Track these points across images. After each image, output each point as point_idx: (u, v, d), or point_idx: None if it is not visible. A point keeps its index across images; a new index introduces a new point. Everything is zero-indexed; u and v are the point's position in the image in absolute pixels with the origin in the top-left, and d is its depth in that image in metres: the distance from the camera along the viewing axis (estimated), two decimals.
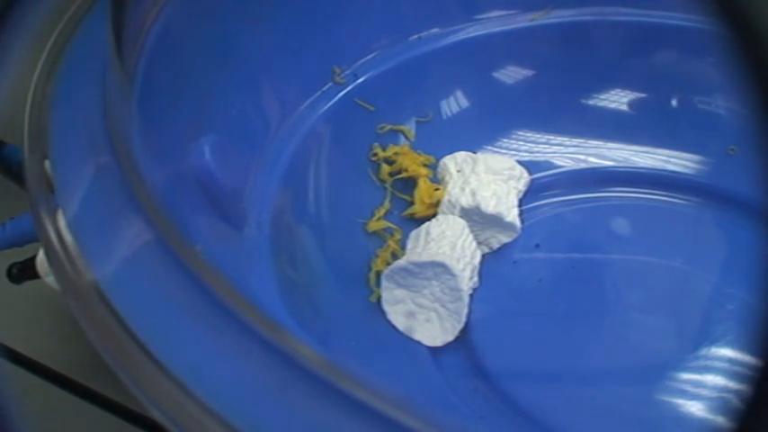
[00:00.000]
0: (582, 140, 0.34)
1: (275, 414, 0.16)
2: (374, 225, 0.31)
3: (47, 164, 0.22)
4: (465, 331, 0.28)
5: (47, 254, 0.20)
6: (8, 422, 0.13)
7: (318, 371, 0.15)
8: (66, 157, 0.22)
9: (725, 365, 0.26)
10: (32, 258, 0.28)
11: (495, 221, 0.30)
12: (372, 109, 0.33)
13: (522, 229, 0.31)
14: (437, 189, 0.31)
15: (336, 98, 0.32)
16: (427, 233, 0.29)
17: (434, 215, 0.31)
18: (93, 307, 0.18)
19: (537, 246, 0.31)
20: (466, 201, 0.30)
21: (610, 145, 0.33)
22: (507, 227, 0.30)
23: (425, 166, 0.32)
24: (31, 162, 0.22)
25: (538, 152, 0.33)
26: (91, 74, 0.24)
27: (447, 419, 0.14)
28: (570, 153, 0.33)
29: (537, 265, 0.30)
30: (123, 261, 0.19)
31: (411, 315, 0.28)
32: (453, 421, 0.14)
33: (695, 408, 0.25)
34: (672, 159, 0.33)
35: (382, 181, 0.32)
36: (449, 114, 0.34)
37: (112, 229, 0.20)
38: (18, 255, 0.28)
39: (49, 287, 0.27)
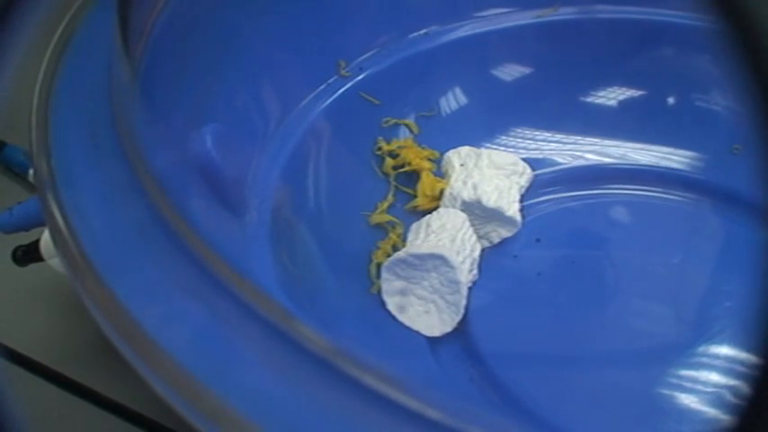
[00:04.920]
0: (580, 137, 0.34)
1: (279, 396, 0.16)
2: (377, 218, 0.31)
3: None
4: (463, 323, 0.28)
5: (52, 236, 0.20)
6: (8, 422, 0.13)
7: (322, 353, 0.15)
8: (68, 145, 0.22)
9: (722, 363, 0.27)
10: (37, 242, 0.28)
11: (496, 216, 0.30)
12: (378, 102, 0.33)
13: (523, 224, 0.31)
14: (439, 182, 0.31)
15: (341, 91, 0.32)
16: (428, 225, 0.29)
17: (437, 208, 0.31)
18: (97, 289, 0.18)
19: (537, 240, 0.31)
20: (467, 194, 0.30)
21: (608, 142, 0.34)
22: (508, 221, 0.30)
23: (429, 160, 0.32)
24: (38, 144, 0.22)
25: (537, 149, 0.34)
26: (94, 64, 0.24)
27: (451, 402, 0.14)
28: (569, 150, 0.34)
29: (537, 260, 0.30)
30: (126, 246, 0.19)
31: (410, 306, 0.28)
32: (457, 404, 0.14)
33: (692, 402, 0.26)
34: (670, 156, 0.33)
35: (386, 174, 0.32)
36: (451, 110, 0.34)
37: (115, 215, 0.20)
38: (23, 239, 0.28)
39: (52, 270, 0.28)
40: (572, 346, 0.28)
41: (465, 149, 0.32)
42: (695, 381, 0.26)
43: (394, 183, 0.32)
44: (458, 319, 0.28)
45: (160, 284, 0.18)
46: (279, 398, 0.16)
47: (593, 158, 0.33)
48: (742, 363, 0.26)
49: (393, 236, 0.30)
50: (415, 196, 0.32)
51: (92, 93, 0.23)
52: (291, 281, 0.26)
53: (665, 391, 0.26)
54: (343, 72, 0.33)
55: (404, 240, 0.30)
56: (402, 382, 0.15)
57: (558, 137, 0.34)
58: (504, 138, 0.34)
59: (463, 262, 0.28)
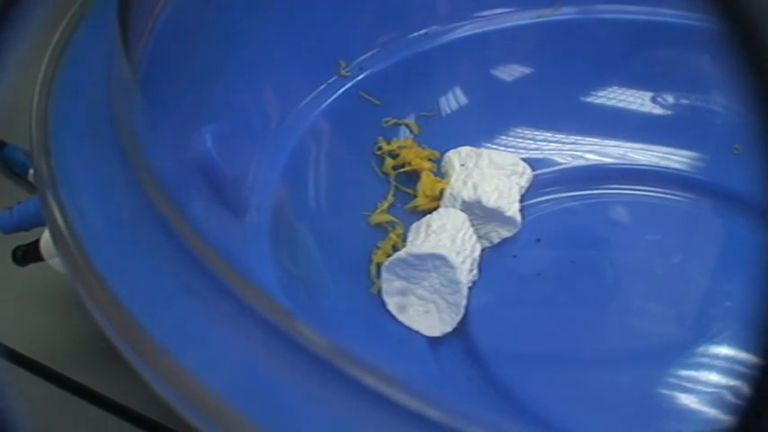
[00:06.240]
0: (580, 137, 0.34)
1: (279, 395, 0.16)
2: (377, 218, 0.31)
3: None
4: (463, 322, 0.28)
5: (52, 236, 0.20)
6: (8, 422, 0.13)
7: (321, 352, 0.15)
8: (68, 145, 0.22)
9: (722, 363, 0.27)
10: (37, 242, 0.28)
11: (496, 215, 0.30)
12: (378, 102, 0.33)
13: (524, 224, 0.31)
14: (439, 182, 0.31)
15: (341, 91, 0.32)
16: (428, 226, 0.29)
17: (437, 208, 0.31)
18: (97, 289, 0.18)
19: (538, 241, 0.31)
20: (467, 194, 0.30)
21: (608, 142, 0.34)
22: (508, 221, 0.30)
23: (429, 160, 0.32)
24: (38, 144, 0.22)
25: (537, 149, 0.34)
26: (94, 64, 0.24)
27: (450, 402, 0.14)
28: (569, 150, 0.34)
29: (537, 260, 0.30)
30: (126, 246, 0.19)
31: (410, 306, 0.28)
32: (457, 404, 0.14)
33: (692, 402, 0.26)
34: (670, 156, 0.33)
35: (386, 174, 0.32)
36: (451, 110, 0.34)
37: (115, 215, 0.20)
38: (24, 239, 0.28)
39: (52, 269, 0.28)
40: (572, 346, 0.28)
41: (465, 149, 0.32)
42: (695, 381, 0.26)
43: (394, 183, 0.32)
44: (458, 319, 0.28)
45: (160, 284, 0.18)
46: (279, 398, 0.16)
47: (593, 158, 0.33)
48: (742, 363, 0.26)
49: (393, 236, 0.30)
50: (415, 196, 0.32)
51: (92, 93, 0.23)
52: (291, 281, 0.26)
53: (665, 391, 0.26)
54: (343, 72, 0.33)
55: (404, 240, 0.30)
56: (402, 382, 0.15)
57: (558, 137, 0.34)
58: (504, 138, 0.34)
59: (463, 262, 0.28)
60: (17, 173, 0.35)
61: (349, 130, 0.32)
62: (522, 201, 0.32)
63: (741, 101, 0.11)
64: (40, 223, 0.27)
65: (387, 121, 0.33)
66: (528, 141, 0.34)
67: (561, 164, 0.33)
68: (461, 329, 0.28)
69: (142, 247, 0.19)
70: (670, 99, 0.34)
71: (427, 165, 0.32)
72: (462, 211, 0.30)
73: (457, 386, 0.26)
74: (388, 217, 0.31)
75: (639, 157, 0.33)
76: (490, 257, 0.30)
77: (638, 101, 0.34)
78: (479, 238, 0.31)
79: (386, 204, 0.31)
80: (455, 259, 0.28)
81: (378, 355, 0.15)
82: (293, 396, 0.16)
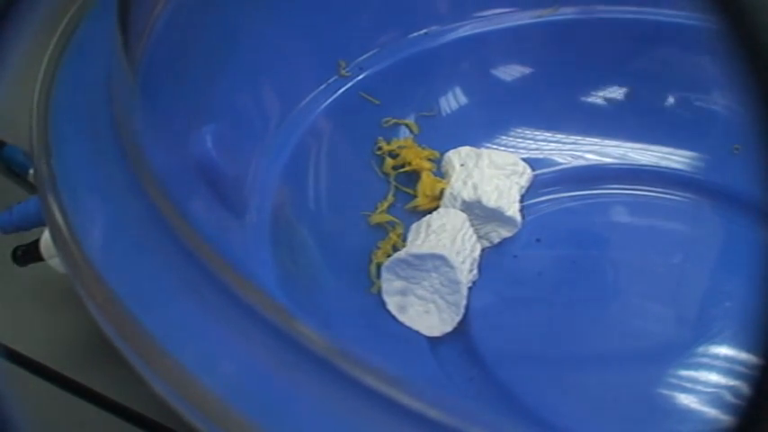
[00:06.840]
0: (580, 137, 0.34)
1: (279, 395, 0.16)
2: (377, 218, 0.31)
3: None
4: (463, 322, 0.28)
5: (52, 236, 0.20)
6: (8, 422, 0.13)
7: (321, 353, 0.15)
8: (68, 145, 0.22)
9: (722, 363, 0.27)
10: (36, 242, 0.28)
11: (496, 215, 0.30)
12: (378, 102, 0.33)
13: (524, 224, 0.31)
14: (439, 182, 0.31)
15: (341, 91, 0.32)
16: (428, 226, 0.29)
17: (437, 208, 0.31)
18: (97, 289, 0.18)
19: (538, 240, 0.31)
20: (467, 194, 0.30)
21: (608, 142, 0.34)
22: (508, 221, 0.30)
23: (429, 160, 0.32)
24: (38, 144, 0.22)
25: (537, 149, 0.34)
26: (94, 64, 0.24)
27: (451, 402, 0.14)
28: (569, 150, 0.34)
29: (537, 260, 0.30)
30: (126, 246, 0.19)
31: (410, 306, 0.28)
32: (457, 404, 0.14)
33: (692, 402, 0.26)
34: (670, 156, 0.33)
35: (386, 174, 0.32)
36: (451, 110, 0.34)
37: (115, 215, 0.20)
38: (24, 239, 0.28)
39: (52, 270, 0.28)
40: (572, 346, 0.28)
41: (465, 149, 0.32)
42: (695, 381, 0.26)
43: (394, 183, 0.32)
44: (458, 319, 0.28)
45: (160, 284, 0.18)
46: (279, 398, 0.16)
47: (593, 158, 0.33)
48: (742, 363, 0.26)
49: (393, 236, 0.30)
50: (415, 196, 0.32)
51: (92, 93, 0.24)
52: (291, 281, 0.26)
53: (665, 391, 0.26)
54: (343, 72, 0.33)
55: (404, 240, 0.30)
56: (402, 382, 0.15)
57: (558, 137, 0.34)
58: (504, 138, 0.34)
59: (463, 262, 0.29)
60: (17, 173, 0.35)
61: (349, 131, 0.32)
62: (522, 201, 0.32)
63: (741, 101, 0.11)
64: (40, 223, 0.27)
65: (387, 121, 0.33)
66: (528, 141, 0.34)
67: (561, 164, 0.33)
68: (461, 329, 0.28)
69: (142, 247, 0.19)
70: (670, 99, 0.34)
71: (427, 165, 0.32)
72: (462, 211, 0.30)
73: (457, 386, 0.26)
74: (388, 217, 0.31)
75: (639, 157, 0.33)
76: (490, 257, 0.30)
77: (638, 101, 0.34)
78: (479, 238, 0.31)
79: (386, 204, 0.31)
80: (455, 259, 0.28)
81: (378, 355, 0.15)
82: (293, 396, 0.16)
